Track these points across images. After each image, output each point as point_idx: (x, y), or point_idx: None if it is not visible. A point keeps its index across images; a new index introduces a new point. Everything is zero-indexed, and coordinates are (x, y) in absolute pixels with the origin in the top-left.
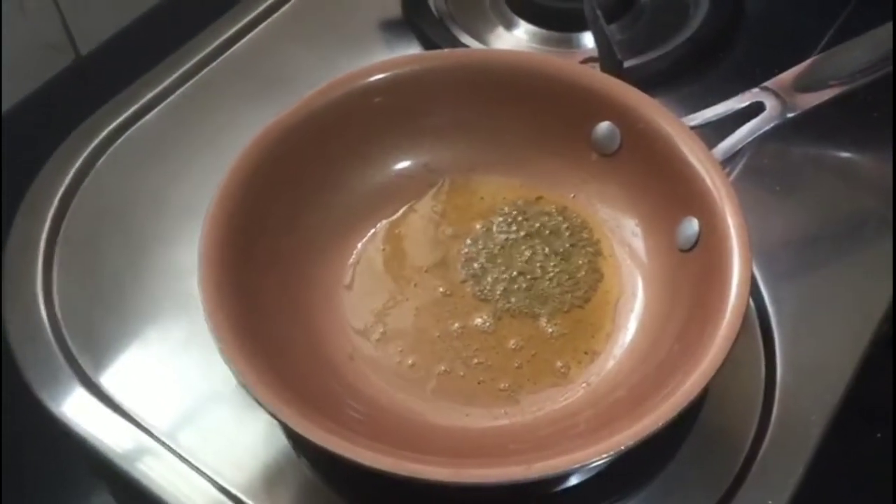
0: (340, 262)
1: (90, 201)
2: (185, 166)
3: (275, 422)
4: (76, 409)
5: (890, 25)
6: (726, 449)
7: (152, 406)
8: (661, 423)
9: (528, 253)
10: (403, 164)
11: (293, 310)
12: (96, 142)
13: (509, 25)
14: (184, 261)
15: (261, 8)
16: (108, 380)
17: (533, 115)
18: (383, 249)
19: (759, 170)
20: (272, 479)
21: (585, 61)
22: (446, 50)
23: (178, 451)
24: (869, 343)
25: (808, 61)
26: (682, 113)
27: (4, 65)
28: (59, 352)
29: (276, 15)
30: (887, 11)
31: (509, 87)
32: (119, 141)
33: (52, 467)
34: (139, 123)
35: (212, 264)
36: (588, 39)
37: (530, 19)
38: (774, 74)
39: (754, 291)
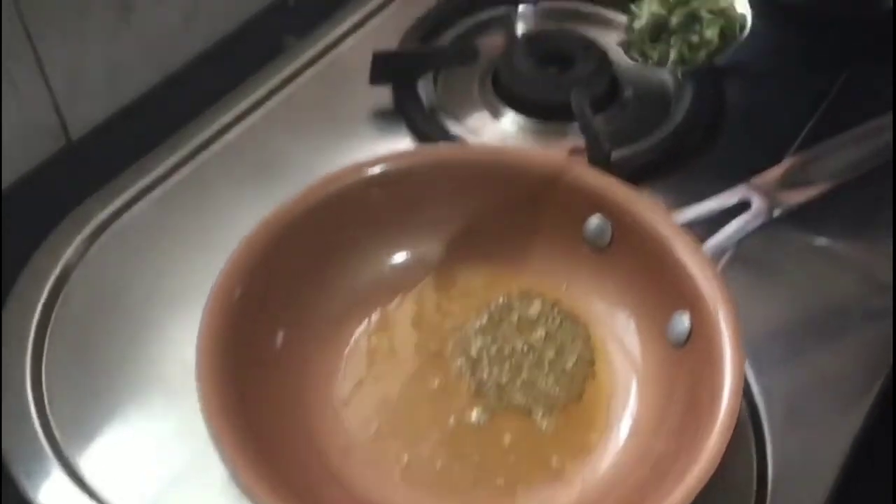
0: (336, 354)
1: (82, 288)
2: (177, 254)
3: None
4: (55, 495)
5: (871, 125)
6: None
7: (136, 497)
8: None
9: (521, 345)
10: (398, 256)
11: (289, 402)
12: (88, 229)
13: (497, 115)
14: (174, 349)
15: (254, 96)
16: (92, 467)
17: (526, 208)
18: (378, 341)
19: (744, 259)
20: None
21: (572, 151)
22: (441, 144)
23: None
24: (859, 432)
25: (793, 159)
26: (668, 203)
27: None
28: (43, 437)
29: (269, 103)
30: (859, 109)
31: (502, 181)
32: (111, 227)
33: None
34: (131, 210)
35: (209, 357)
36: (574, 129)
37: (518, 109)
38: (756, 166)
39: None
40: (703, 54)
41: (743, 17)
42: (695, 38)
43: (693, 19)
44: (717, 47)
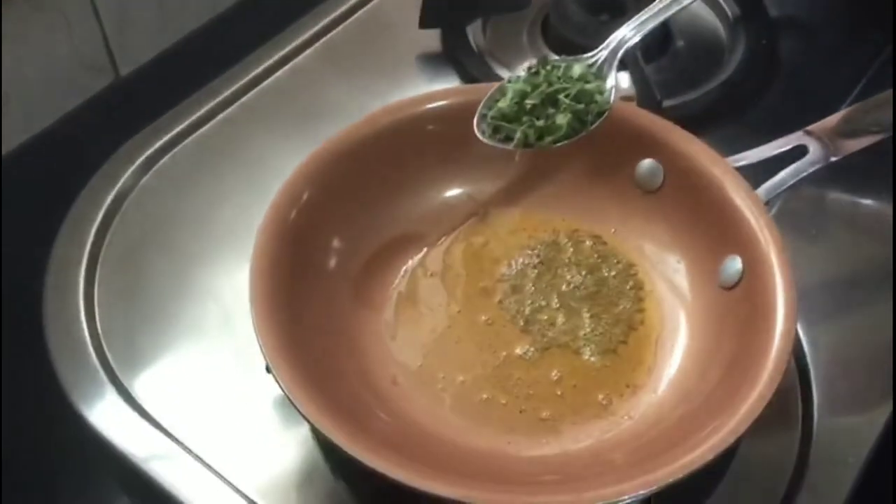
0: (384, 286)
1: (132, 221)
2: (226, 189)
3: (311, 442)
4: (113, 420)
5: None
6: (763, 488)
7: (189, 420)
8: (704, 461)
9: (569, 285)
10: (449, 193)
11: (339, 331)
12: (138, 163)
13: None
14: (224, 281)
15: (303, 37)
16: (147, 393)
17: (577, 150)
18: (427, 275)
19: (794, 213)
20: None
21: (623, 99)
22: (496, 83)
23: (212, 464)
24: None
25: (850, 108)
26: (718, 153)
27: (47, 81)
28: (98, 365)
29: (317, 45)
30: None
31: None
32: (161, 162)
33: (84, 481)
34: (180, 146)
35: (262, 278)
36: (624, 79)
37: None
38: (809, 119)
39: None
40: (548, 140)
41: (606, 103)
42: (541, 123)
43: (550, 103)
44: (564, 134)
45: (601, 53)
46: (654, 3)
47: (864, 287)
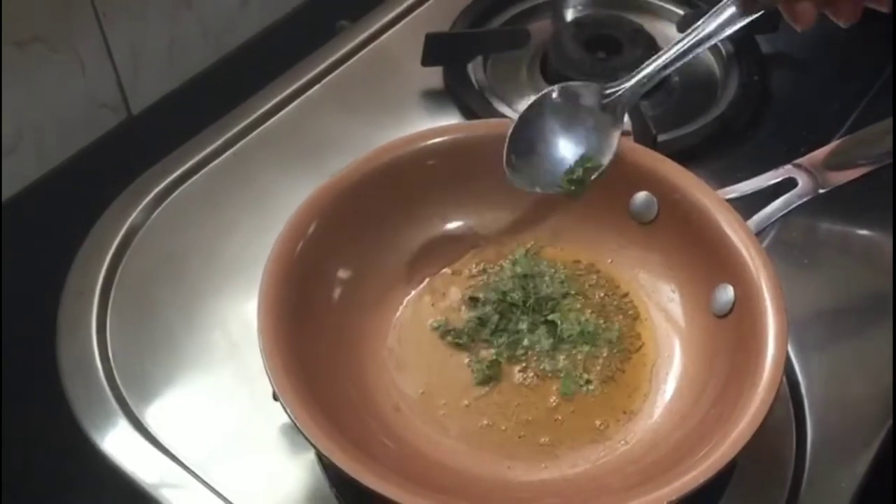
0: (387, 317)
1: (143, 255)
2: (234, 223)
3: (317, 468)
4: (122, 447)
5: None
6: None
7: (198, 447)
8: (697, 484)
9: (567, 314)
10: (449, 226)
11: (343, 359)
12: (149, 198)
13: None
14: (233, 311)
15: (309, 75)
16: (157, 421)
17: None
18: (427, 306)
19: (788, 243)
20: None
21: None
22: (495, 119)
23: (221, 491)
24: None
25: (838, 141)
26: (712, 186)
27: (61, 118)
28: (110, 394)
29: (322, 84)
30: None
31: None
32: (171, 197)
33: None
34: (190, 181)
35: (270, 309)
36: None
37: None
38: (800, 153)
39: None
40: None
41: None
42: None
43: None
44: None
45: (623, 86)
46: (678, 47)
47: (857, 315)
